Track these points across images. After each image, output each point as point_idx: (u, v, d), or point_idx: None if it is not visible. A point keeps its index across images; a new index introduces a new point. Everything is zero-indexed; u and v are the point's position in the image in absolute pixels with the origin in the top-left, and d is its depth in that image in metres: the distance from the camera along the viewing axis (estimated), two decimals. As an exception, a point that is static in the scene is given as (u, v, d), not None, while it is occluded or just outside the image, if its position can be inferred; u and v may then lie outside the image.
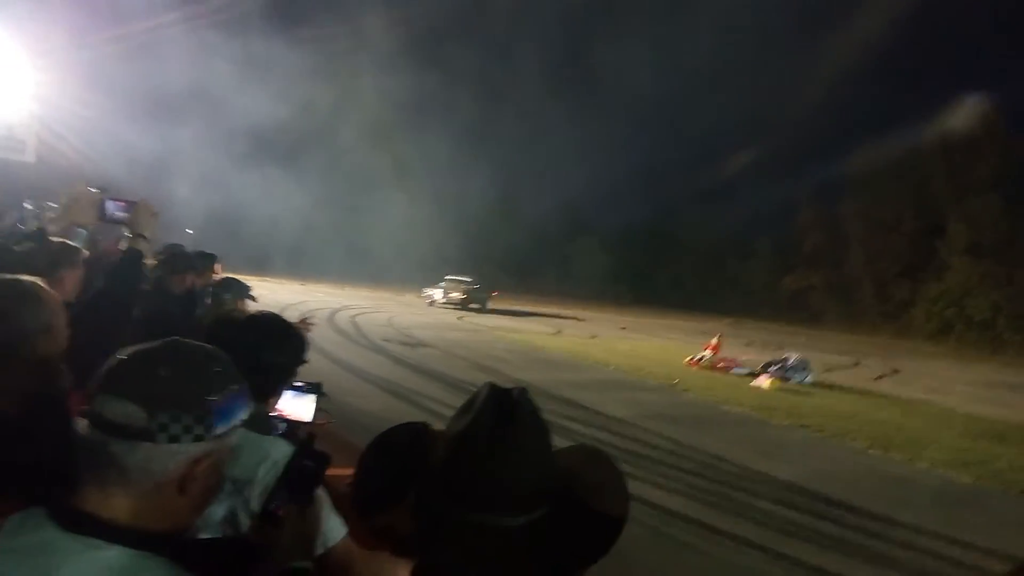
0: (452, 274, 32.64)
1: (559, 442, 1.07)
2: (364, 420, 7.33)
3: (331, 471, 2.12)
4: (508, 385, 1.02)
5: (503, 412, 0.97)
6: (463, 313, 28.16)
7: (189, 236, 16.38)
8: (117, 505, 0.98)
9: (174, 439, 0.98)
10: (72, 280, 2.73)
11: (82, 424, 1.00)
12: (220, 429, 1.03)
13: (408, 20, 42.75)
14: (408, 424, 1.13)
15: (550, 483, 1.00)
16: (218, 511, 1.40)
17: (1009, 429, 12.35)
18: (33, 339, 1.56)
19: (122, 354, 1.03)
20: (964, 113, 46.89)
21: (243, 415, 1.09)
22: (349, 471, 2.45)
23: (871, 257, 50.44)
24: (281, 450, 1.53)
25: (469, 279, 31.93)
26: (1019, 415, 14.37)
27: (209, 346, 1.13)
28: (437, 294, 30.76)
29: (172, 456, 0.99)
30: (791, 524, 6.06)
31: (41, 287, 1.66)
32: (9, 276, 1.65)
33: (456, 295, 30.47)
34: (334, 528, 1.54)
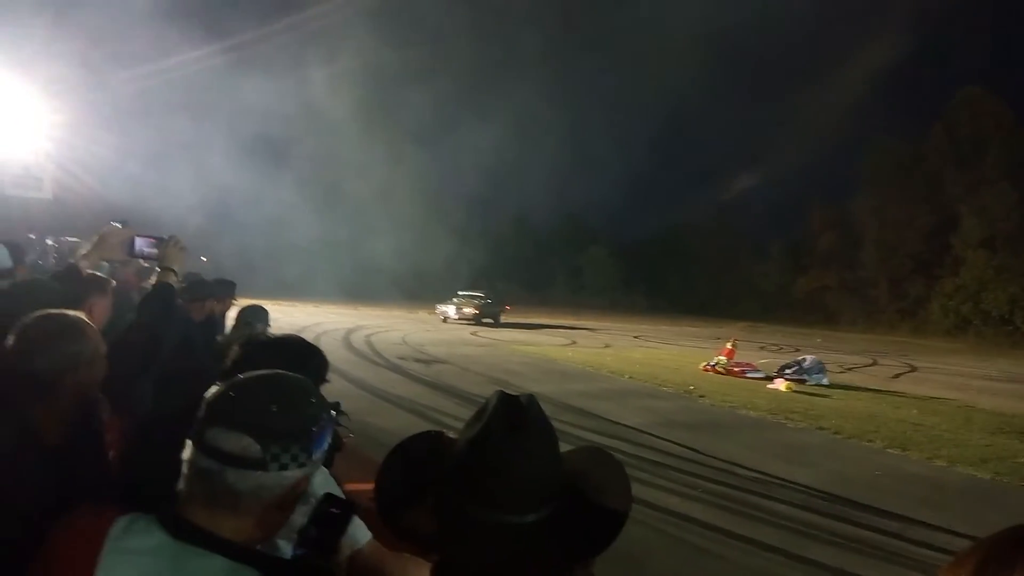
0: (464, 290, 32.83)
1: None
2: (383, 437, 7.40)
3: (354, 486, 2.22)
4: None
5: (513, 418, 1.06)
6: (477, 328, 28.23)
7: (203, 264, 16.56)
8: (221, 521, 1.10)
9: (283, 467, 1.10)
10: (101, 308, 2.88)
11: (192, 451, 1.10)
12: (317, 454, 1.16)
13: (419, 30, 43.14)
14: (424, 432, 1.24)
15: (558, 483, 1.08)
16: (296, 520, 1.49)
17: (1029, 424, 12.25)
18: (75, 370, 1.67)
19: (230, 388, 1.14)
20: (972, 105, 46.70)
21: (330, 438, 1.22)
22: (370, 486, 2.55)
23: (885, 255, 50.13)
24: (317, 478, 1.61)
25: (482, 294, 32.05)
26: (1039, 409, 14.28)
27: (302, 378, 1.25)
28: (451, 311, 30.83)
29: (280, 481, 1.11)
30: (810, 527, 6.08)
31: (84, 321, 1.78)
32: (54, 310, 1.76)
33: (469, 311, 30.54)
34: (360, 531, 1.63)
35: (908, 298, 48.73)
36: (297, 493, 1.16)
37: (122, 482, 1.59)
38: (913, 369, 22.55)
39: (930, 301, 46.63)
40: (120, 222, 2.92)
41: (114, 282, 3.26)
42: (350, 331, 21.91)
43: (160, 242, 2.61)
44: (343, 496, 1.34)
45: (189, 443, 1.11)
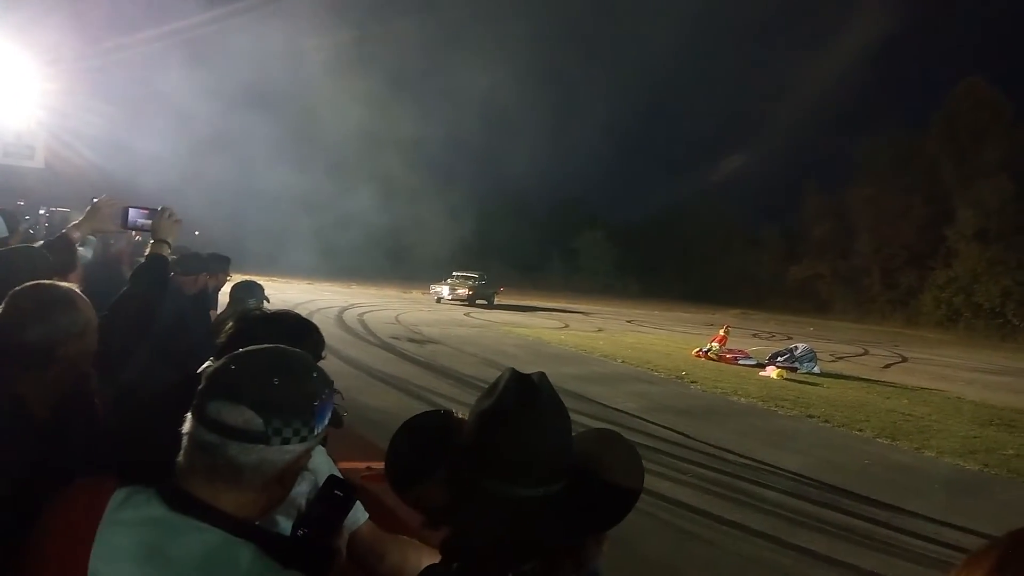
0: (459, 270, 32.64)
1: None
2: (376, 417, 7.42)
3: (347, 464, 2.20)
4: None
5: (525, 393, 1.08)
6: (470, 309, 28.20)
7: (196, 238, 16.46)
8: (221, 494, 1.09)
9: (286, 441, 1.09)
10: (74, 280, 2.85)
11: (192, 424, 1.09)
12: (319, 428, 1.15)
13: (416, 17, 42.80)
14: (434, 411, 1.28)
15: (569, 459, 1.10)
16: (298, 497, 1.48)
17: (1017, 416, 12.35)
18: (66, 342, 1.64)
19: (232, 361, 1.13)
20: (971, 96, 46.67)
21: (331, 413, 1.20)
22: (364, 465, 2.54)
23: (879, 245, 50.25)
24: (319, 457, 1.59)
25: (476, 275, 31.94)
26: (1028, 402, 14.39)
27: (304, 352, 1.24)
28: (444, 291, 30.70)
29: (282, 456, 1.10)
30: (799, 513, 6.12)
31: (76, 292, 1.74)
32: (45, 281, 1.73)
33: (463, 291, 30.44)
34: (357, 511, 1.62)
35: (900, 288, 48.92)
36: (298, 468, 1.15)
37: (114, 455, 1.57)
38: (904, 359, 22.69)
39: (922, 292, 46.83)
40: (111, 197, 2.88)
41: (89, 255, 3.22)
42: (343, 309, 21.87)
43: (153, 213, 2.57)
44: (344, 478, 1.33)
45: (189, 416, 1.10)
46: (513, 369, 1.12)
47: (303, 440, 1.11)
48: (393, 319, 20.58)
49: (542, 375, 1.11)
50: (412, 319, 21.15)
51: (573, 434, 1.13)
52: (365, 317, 20.17)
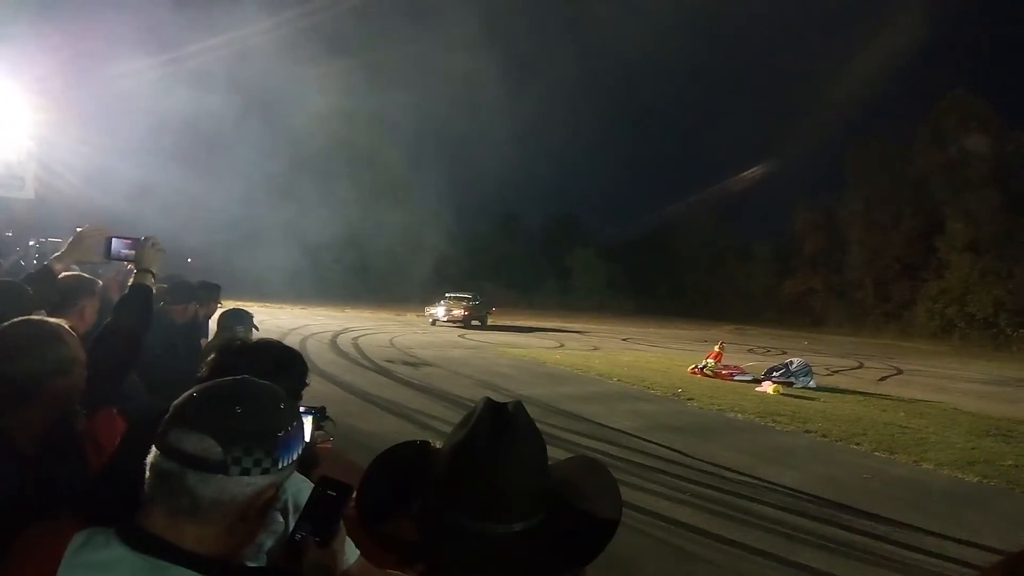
0: (452, 291, 32.49)
1: (562, 455, 1.13)
2: (370, 442, 7.36)
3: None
4: (509, 400, 1.10)
5: (499, 424, 1.05)
6: (464, 331, 28.11)
7: (189, 265, 16.44)
8: (183, 530, 1.06)
9: (245, 472, 1.06)
10: (92, 309, 2.87)
11: (154, 454, 1.07)
12: (284, 462, 1.12)
13: (404, 33, 43.13)
14: (410, 442, 1.21)
15: (546, 491, 1.06)
16: (267, 540, 1.45)
17: (1015, 426, 12.34)
18: (52, 378, 1.63)
19: (196, 391, 1.12)
20: (958, 108, 47.13)
21: (300, 448, 1.18)
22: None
23: (871, 257, 50.49)
24: (295, 484, 1.57)
25: (469, 296, 31.77)
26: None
27: (272, 384, 1.22)
28: (439, 312, 30.40)
29: (242, 488, 1.07)
30: (798, 530, 6.08)
31: (63, 328, 1.73)
32: (34, 317, 1.72)
33: (459, 312, 30.22)
34: (347, 550, 1.59)
35: (893, 301, 49.07)
36: (262, 504, 1.12)
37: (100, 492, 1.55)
38: (899, 372, 22.70)
39: (915, 304, 46.98)
40: (97, 226, 2.87)
41: (100, 283, 3.23)
42: (337, 334, 21.79)
43: (137, 243, 2.57)
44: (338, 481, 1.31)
45: (153, 446, 1.08)
46: (487, 399, 1.09)
47: (265, 472, 1.09)
48: (388, 342, 20.52)
49: (518, 404, 1.09)
50: (407, 342, 21.09)
51: (554, 462, 1.11)
52: (359, 341, 20.10)
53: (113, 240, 2.64)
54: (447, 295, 31.72)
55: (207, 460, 1.04)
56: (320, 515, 1.22)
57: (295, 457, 1.15)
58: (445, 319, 30.03)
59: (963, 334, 43.00)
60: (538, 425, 1.10)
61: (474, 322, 30.61)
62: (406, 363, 15.77)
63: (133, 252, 2.56)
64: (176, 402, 1.11)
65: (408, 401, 10.85)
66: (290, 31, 28.46)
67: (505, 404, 1.09)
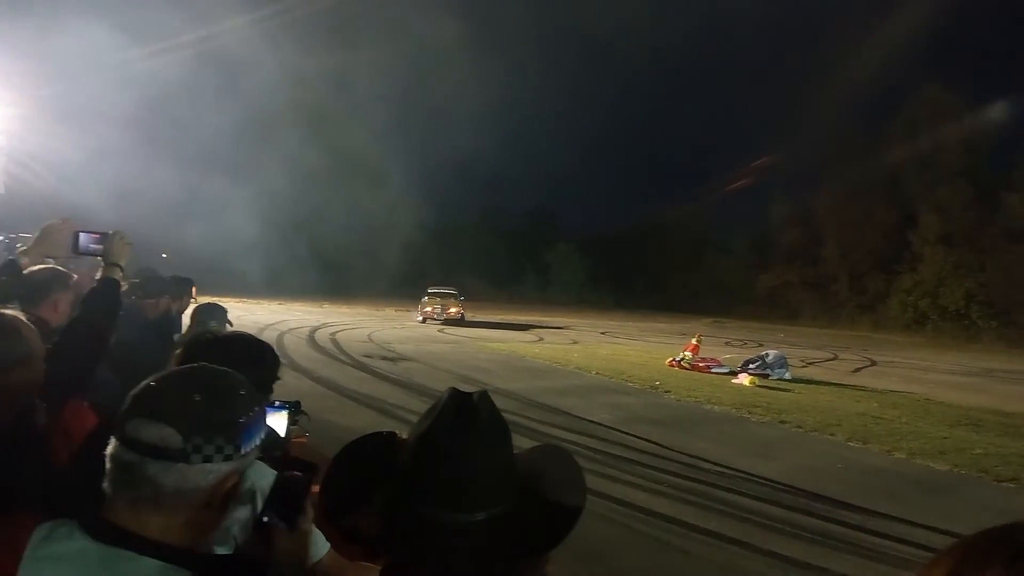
0: (432, 286, 31.67)
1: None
2: (347, 436, 7.19)
3: (315, 488, 2.15)
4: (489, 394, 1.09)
5: (463, 415, 1.04)
6: (443, 326, 27.90)
7: (164, 260, 16.26)
8: (147, 520, 1.04)
9: (207, 460, 1.05)
10: (66, 303, 2.83)
11: (114, 445, 1.05)
12: (246, 448, 1.11)
13: (389, 32, 42.86)
14: (377, 433, 1.20)
15: (510, 480, 1.06)
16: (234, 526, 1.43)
17: (985, 416, 12.56)
18: (9, 371, 1.59)
19: (154, 379, 1.10)
20: (931, 103, 47.72)
21: (263, 434, 1.17)
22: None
23: (845, 251, 51.03)
24: (263, 475, 1.56)
25: (453, 291, 31.08)
26: (994, 401, 14.65)
27: (232, 370, 1.21)
28: (431, 311, 28.92)
29: (204, 476, 1.06)
30: (774, 519, 6.14)
31: (21, 321, 1.70)
32: None
33: (454, 310, 29.00)
34: (319, 542, 1.58)
35: (868, 293, 49.66)
36: (226, 491, 1.10)
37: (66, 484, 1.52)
38: (873, 363, 22.99)
39: (889, 296, 47.56)
40: (72, 220, 2.83)
41: (75, 276, 3.18)
42: (315, 329, 21.66)
43: (105, 237, 2.53)
44: (305, 461, 1.30)
45: (112, 438, 1.06)
46: (453, 389, 1.09)
47: (227, 459, 1.07)
48: (366, 337, 20.43)
49: (483, 394, 1.08)
50: (385, 337, 21.02)
51: (521, 451, 1.10)
52: (337, 336, 20.00)
53: (81, 234, 2.60)
54: (429, 290, 30.88)
55: (167, 449, 1.03)
56: (286, 497, 1.21)
57: (258, 442, 1.14)
58: (442, 317, 28.73)
59: (936, 326, 43.64)
60: (517, 419, 1.11)
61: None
62: (384, 358, 15.72)
63: (101, 246, 2.53)
64: (133, 392, 1.09)
65: (386, 396, 10.82)
66: (256, 28, 28.21)
67: (470, 394, 1.08)
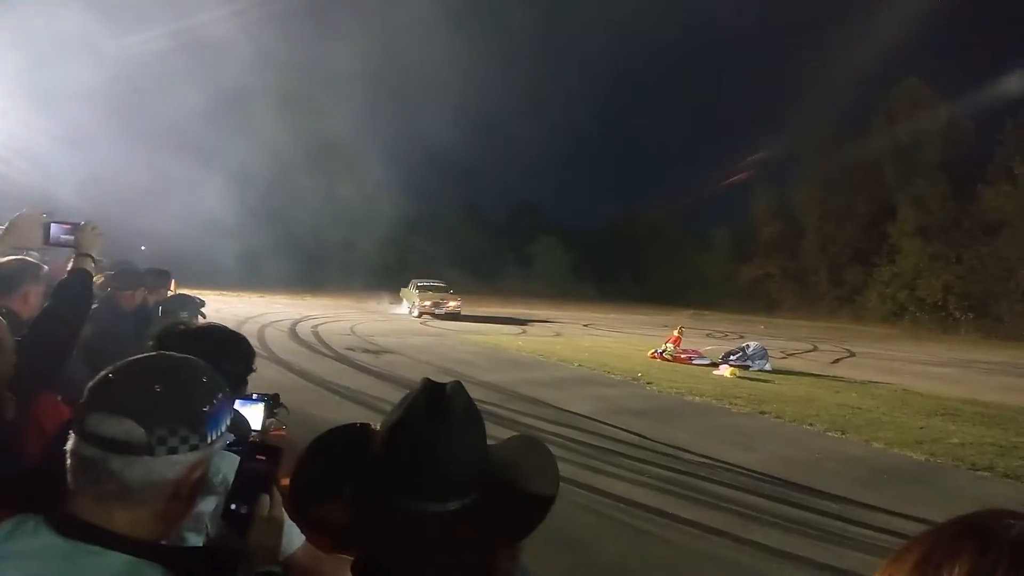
0: (418, 279, 30.71)
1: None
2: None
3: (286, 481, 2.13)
4: (472, 386, 1.08)
5: (434, 404, 1.04)
6: (427, 318, 27.71)
7: (143, 253, 16.09)
8: (113, 514, 1.02)
9: (172, 451, 1.03)
10: (36, 295, 2.79)
11: (74, 441, 1.03)
12: (212, 436, 1.09)
13: (368, 20, 42.56)
14: (350, 424, 1.19)
15: (483, 470, 1.06)
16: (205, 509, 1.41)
17: (961, 406, 12.73)
18: None
19: (111, 371, 1.07)
20: (909, 96, 48.14)
21: (228, 420, 1.15)
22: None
23: (825, 243, 51.46)
24: (231, 464, 1.54)
25: (443, 284, 30.40)
26: (971, 392, 14.86)
27: (192, 357, 1.18)
28: (433, 303, 27.68)
29: (171, 467, 1.04)
30: (753, 509, 6.20)
31: None
32: None
33: (454, 304, 27.81)
34: (293, 535, 1.56)
35: (847, 285, 50.09)
36: (194, 481, 1.09)
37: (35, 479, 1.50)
38: (852, 354, 23.22)
39: (868, 288, 48.04)
40: (46, 212, 2.79)
41: (46, 268, 3.13)
42: (296, 322, 21.54)
43: (76, 228, 2.49)
44: (267, 445, 1.28)
45: (71, 433, 1.04)
46: (426, 379, 1.09)
47: (194, 449, 1.06)
48: (348, 330, 20.34)
49: (456, 384, 1.07)
50: (367, 329, 20.93)
51: (496, 442, 1.10)
52: (319, 329, 19.90)
53: (52, 225, 2.57)
54: (417, 284, 29.87)
55: (130, 443, 1.00)
56: (252, 481, 1.20)
57: (224, 429, 1.13)
58: (442, 312, 27.57)
59: (913, 317, 44.14)
60: (499, 411, 1.11)
61: (436, 310, 28.34)
62: (367, 351, 15.66)
63: (73, 237, 2.49)
64: (91, 385, 1.06)
65: (368, 388, 10.78)
66: (236, 20, 27.92)
67: (444, 384, 1.07)
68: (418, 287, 29.40)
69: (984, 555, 0.62)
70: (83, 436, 1.02)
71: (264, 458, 1.22)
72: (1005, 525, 0.66)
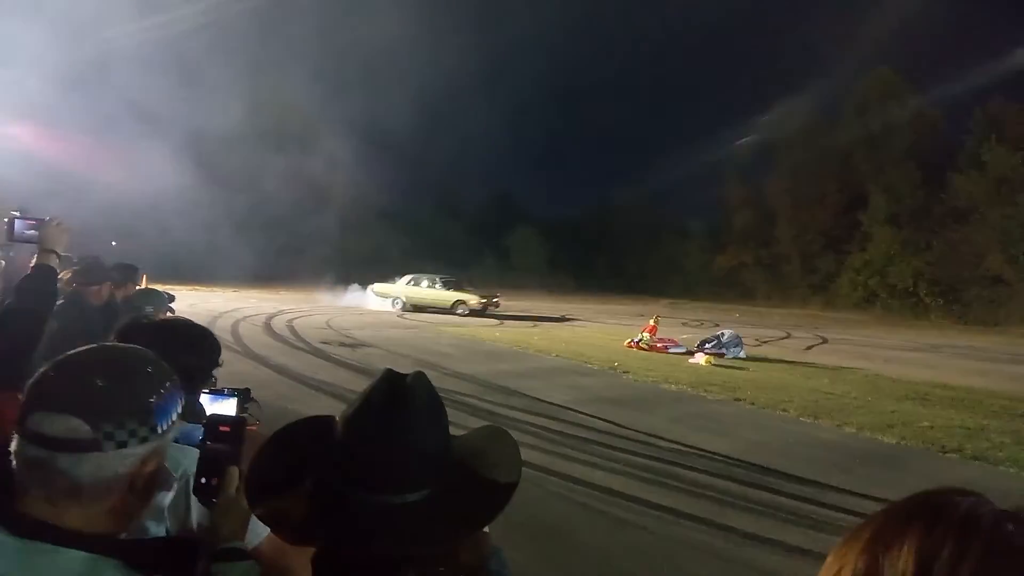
0: (401, 273, 29.09)
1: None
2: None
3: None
4: (449, 378, 1.08)
5: (394, 395, 1.03)
6: (403, 311, 27.38)
7: (113, 248, 15.84)
8: (66, 511, 0.99)
9: (121, 445, 1.00)
10: None
11: (17, 441, 1.00)
12: (163, 427, 1.06)
13: (338, 11, 42.10)
14: (314, 417, 1.18)
15: (443, 460, 1.05)
16: (164, 500, 1.39)
17: (931, 390, 12.97)
18: None
19: (50, 368, 1.03)
20: (879, 86, 48.71)
21: (179, 408, 1.12)
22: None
23: (797, 232, 51.98)
24: (192, 459, 1.53)
25: (452, 277, 28.68)
26: (941, 376, 15.14)
27: (134, 346, 1.16)
28: (479, 302, 26.04)
29: (122, 461, 1.01)
30: (728, 494, 6.27)
31: None
32: None
33: (474, 300, 25.92)
34: (258, 527, 1.55)
35: (819, 273, 50.71)
36: (149, 472, 1.06)
37: None
38: (824, 341, 23.54)
39: (840, 276, 48.68)
40: (17, 209, 2.75)
41: (3, 263, 3.08)
42: (271, 316, 21.33)
43: (40, 223, 2.46)
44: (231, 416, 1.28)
45: (14, 433, 1.00)
46: (388, 369, 1.08)
47: (144, 441, 1.03)
48: (324, 324, 20.19)
49: (419, 374, 1.07)
50: (343, 323, 20.80)
51: (463, 433, 1.09)
52: (295, 323, 19.74)
53: (16, 221, 2.53)
54: (410, 277, 28.20)
55: (76, 441, 0.97)
56: (219, 455, 1.19)
57: (175, 418, 1.10)
58: (464, 313, 25.69)
59: (885, 304, 44.82)
60: (476, 402, 1.11)
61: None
62: (343, 344, 15.56)
63: (37, 232, 2.45)
64: (30, 382, 1.03)
65: (344, 382, 10.72)
66: (219, 13, 27.50)
67: (405, 375, 1.07)
68: (411, 281, 27.50)
69: (931, 532, 0.64)
70: (26, 436, 0.99)
71: (228, 429, 1.21)
72: (953, 503, 0.68)
